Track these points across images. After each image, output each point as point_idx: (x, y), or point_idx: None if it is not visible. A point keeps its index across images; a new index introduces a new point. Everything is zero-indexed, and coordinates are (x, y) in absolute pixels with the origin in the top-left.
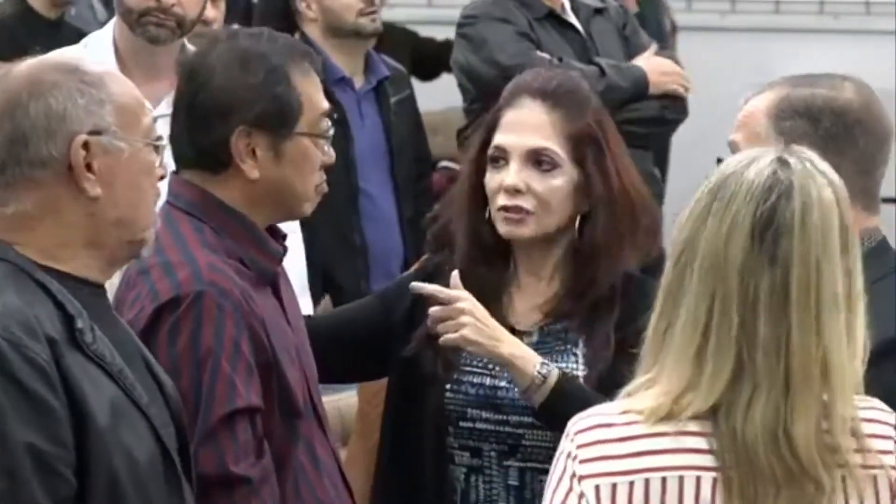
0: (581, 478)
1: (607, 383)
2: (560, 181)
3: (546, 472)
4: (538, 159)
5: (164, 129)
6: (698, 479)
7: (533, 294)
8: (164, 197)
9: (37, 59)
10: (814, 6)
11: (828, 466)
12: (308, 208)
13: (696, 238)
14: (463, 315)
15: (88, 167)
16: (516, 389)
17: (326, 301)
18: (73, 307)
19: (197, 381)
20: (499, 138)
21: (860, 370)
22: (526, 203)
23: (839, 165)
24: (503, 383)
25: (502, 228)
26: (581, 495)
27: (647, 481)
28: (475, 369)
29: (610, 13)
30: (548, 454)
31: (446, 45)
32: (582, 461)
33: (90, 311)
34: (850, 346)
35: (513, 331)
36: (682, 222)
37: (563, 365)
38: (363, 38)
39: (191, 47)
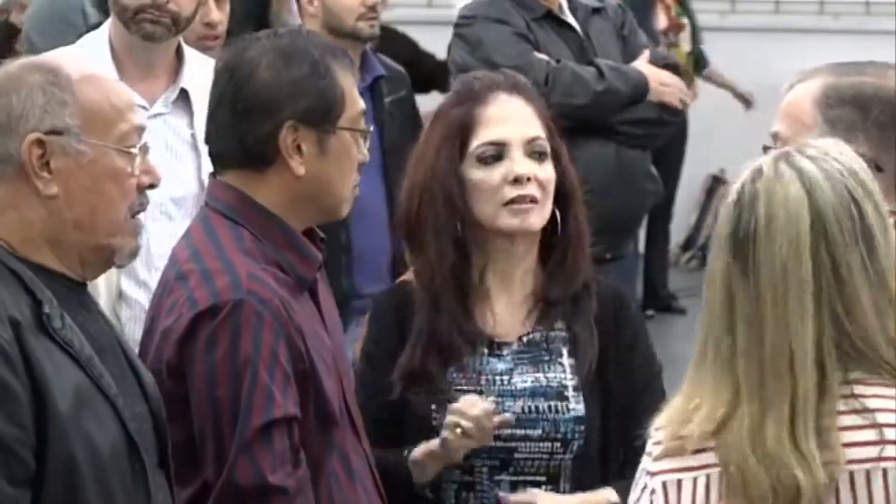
0: (652, 474)
1: (597, 387)
2: (551, 169)
3: (537, 483)
4: (534, 149)
5: (159, 127)
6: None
7: (506, 304)
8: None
9: (30, 57)
10: (814, 6)
11: (804, 466)
12: (345, 209)
13: (712, 267)
14: None
15: (46, 166)
16: (506, 402)
17: None
18: (43, 294)
19: (235, 390)
20: (490, 134)
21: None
22: (534, 191)
23: (888, 157)
24: (490, 398)
25: (511, 221)
26: (651, 491)
27: (707, 477)
28: (462, 387)
29: (608, 13)
30: (540, 465)
31: (442, 66)
32: (655, 458)
33: (62, 301)
34: (882, 320)
35: (491, 343)
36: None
37: (552, 376)
38: (360, 41)
39: (192, 49)
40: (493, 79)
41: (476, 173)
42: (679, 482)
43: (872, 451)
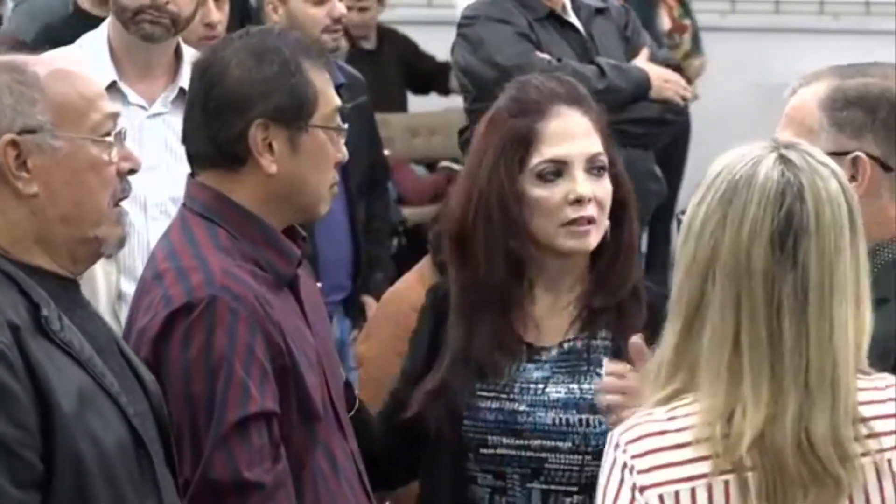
0: (643, 488)
1: None
2: (608, 184)
3: (569, 493)
4: (594, 166)
5: (158, 126)
6: (726, 483)
7: (550, 308)
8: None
9: None
10: (814, 6)
11: (844, 462)
12: (323, 208)
13: (715, 249)
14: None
15: (24, 166)
16: (537, 412)
17: None
18: (39, 295)
19: (210, 386)
20: (551, 151)
21: (864, 354)
22: (593, 211)
23: (891, 152)
24: (523, 407)
25: (569, 243)
26: None
27: (709, 487)
28: (491, 393)
29: (611, 13)
30: (571, 476)
31: (442, 68)
32: (640, 471)
33: (58, 301)
34: (857, 326)
35: (530, 348)
36: (695, 232)
37: (587, 387)
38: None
39: (191, 48)
40: (554, 90)
41: (535, 190)
42: (677, 494)
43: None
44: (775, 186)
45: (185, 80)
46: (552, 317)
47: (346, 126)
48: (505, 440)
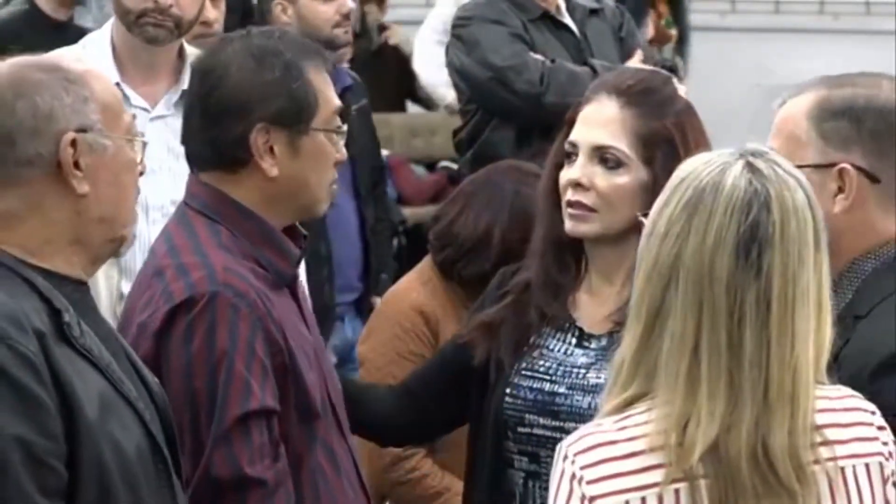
0: (593, 498)
1: None
2: (625, 179)
3: None
4: (603, 156)
5: (161, 129)
6: (677, 491)
7: (605, 298)
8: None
9: (17, 59)
10: (814, 6)
11: (799, 473)
12: (323, 207)
13: (679, 255)
14: None
15: (76, 165)
16: (575, 395)
17: None
18: (60, 302)
19: (211, 382)
20: (573, 133)
21: (823, 369)
22: (587, 199)
23: (883, 166)
24: (562, 389)
25: (567, 224)
26: None
27: (660, 497)
28: (535, 374)
29: (606, 14)
30: None
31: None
32: (590, 482)
33: (75, 307)
34: (817, 340)
35: (581, 333)
36: (658, 236)
37: None
38: (334, 48)
39: (194, 49)
40: (605, 79)
41: (563, 171)
42: (627, 503)
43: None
44: (742, 195)
45: (188, 82)
46: (602, 304)
47: (345, 127)
48: (542, 420)
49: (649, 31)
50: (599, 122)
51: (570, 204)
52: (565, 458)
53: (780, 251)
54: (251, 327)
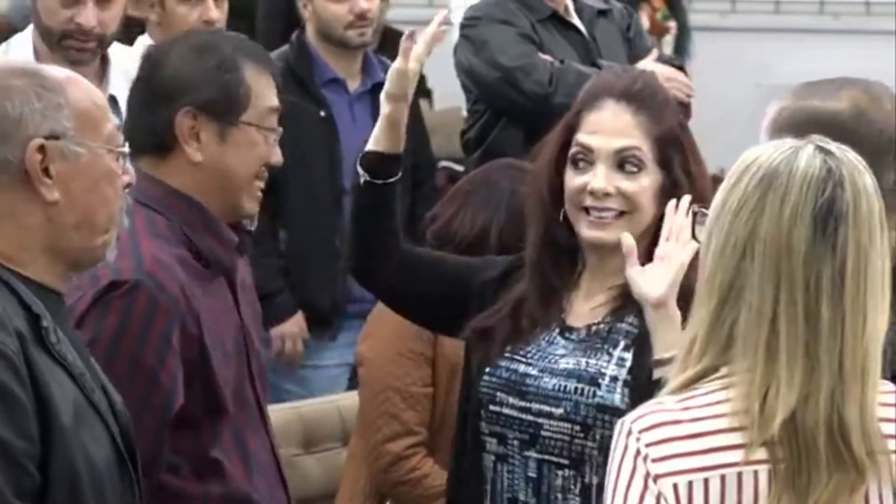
0: (657, 477)
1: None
2: (646, 182)
3: (561, 466)
4: (624, 161)
5: None
6: (756, 473)
7: (594, 296)
8: None
9: None
10: (814, 6)
11: (869, 451)
12: (251, 206)
13: (755, 230)
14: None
15: (46, 171)
16: (543, 377)
17: (297, 318)
18: (39, 307)
19: (118, 369)
20: (584, 138)
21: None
22: (616, 204)
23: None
24: (534, 371)
25: (588, 232)
26: (659, 495)
27: (722, 478)
28: (515, 356)
29: (614, 15)
30: (563, 447)
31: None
32: (655, 460)
33: (52, 315)
34: (881, 322)
35: (564, 326)
36: (729, 213)
37: (594, 362)
38: (349, 49)
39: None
40: (609, 82)
41: (568, 174)
42: (690, 484)
43: None
44: (817, 172)
45: (112, 86)
46: (588, 300)
47: (280, 129)
48: (511, 399)
49: (644, 24)
50: (617, 128)
51: (590, 211)
52: (629, 433)
53: (853, 228)
54: (168, 320)
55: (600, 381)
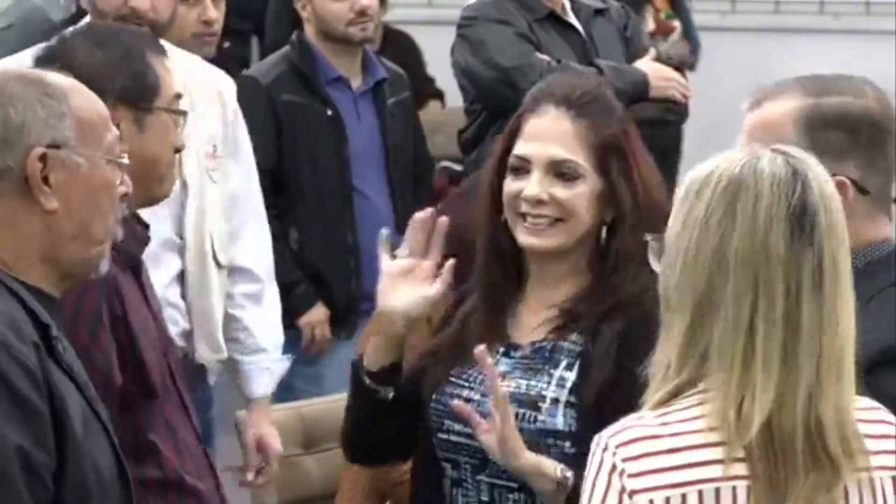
0: (633, 492)
1: (608, 396)
2: (582, 189)
3: (512, 489)
4: (560, 170)
5: None
6: (734, 488)
7: (541, 307)
8: None
9: (3, 68)
10: (814, 6)
11: (846, 447)
12: (168, 189)
13: (725, 239)
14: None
15: (45, 180)
16: (485, 402)
17: (319, 308)
18: (44, 316)
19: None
20: (520, 147)
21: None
22: (549, 211)
23: (872, 177)
24: (476, 396)
25: (524, 238)
26: None
27: (700, 493)
28: (458, 381)
29: (611, 14)
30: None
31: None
32: (631, 475)
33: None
34: (851, 324)
35: (508, 344)
36: (695, 227)
37: (534, 384)
38: (351, 45)
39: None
40: (549, 89)
41: (507, 180)
42: (668, 500)
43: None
44: (784, 173)
45: None
46: (533, 315)
47: (186, 112)
48: (457, 426)
49: (649, 24)
50: (554, 136)
51: (527, 217)
52: (605, 448)
53: (827, 226)
54: (99, 298)
55: (541, 404)
